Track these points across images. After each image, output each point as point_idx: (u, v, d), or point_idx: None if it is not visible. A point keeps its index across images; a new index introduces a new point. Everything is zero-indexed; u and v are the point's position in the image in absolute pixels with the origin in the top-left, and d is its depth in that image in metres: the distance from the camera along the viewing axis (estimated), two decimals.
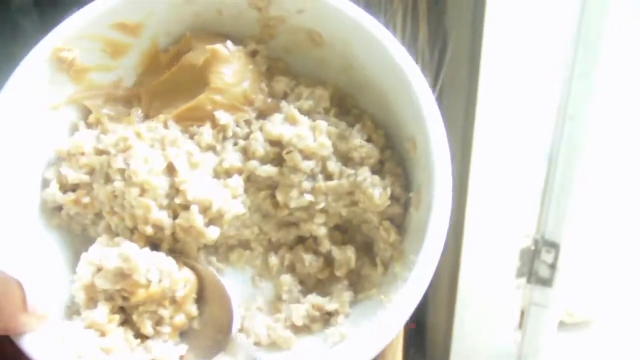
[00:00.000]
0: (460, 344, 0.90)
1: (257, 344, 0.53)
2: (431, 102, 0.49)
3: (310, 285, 0.56)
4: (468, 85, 0.69)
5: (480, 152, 0.74)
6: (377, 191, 0.52)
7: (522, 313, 0.91)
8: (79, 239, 0.55)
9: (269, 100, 0.56)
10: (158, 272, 0.50)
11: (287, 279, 0.55)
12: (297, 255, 0.56)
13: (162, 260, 0.51)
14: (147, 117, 0.55)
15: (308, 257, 0.55)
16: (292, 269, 0.56)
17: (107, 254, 0.50)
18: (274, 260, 0.56)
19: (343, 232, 0.56)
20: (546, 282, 0.88)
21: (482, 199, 0.78)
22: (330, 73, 0.56)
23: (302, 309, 0.53)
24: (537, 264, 0.85)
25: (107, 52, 0.54)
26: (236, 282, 0.55)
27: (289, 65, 0.57)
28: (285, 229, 0.56)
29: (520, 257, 0.86)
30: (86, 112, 0.55)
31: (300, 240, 0.56)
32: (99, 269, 0.50)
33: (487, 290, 0.88)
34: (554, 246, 0.84)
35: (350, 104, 0.56)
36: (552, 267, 0.86)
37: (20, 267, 0.49)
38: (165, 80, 0.55)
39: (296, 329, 0.54)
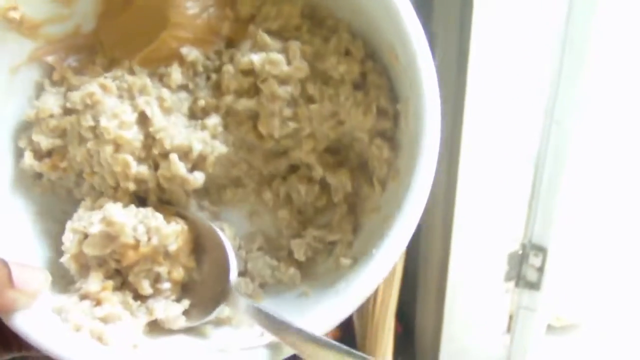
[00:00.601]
0: (448, 347, 0.90)
1: (262, 285, 0.51)
2: (410, 11, 0.45)
3: (310, 213, 0.53)
4: (456, 90, 0.69)
5: (468, 157, 0.74)
6: (361, 109, 0.49)
7: (511, 316, 0.91)
8: (66, 202, 0.53)
9: (236, 25, 0.51)
10: (145, 229, 0.48)
11: (284, 214, 0.53)
12: (291, 186, 0.53)
13: (149, 216, 0.49)
14: (112, 62, 0.52)
15: (303, 187, 0.52)
16: (288, 200, 0.53)
17: (90, 219, 0.48)
18: (268, 195, 0.53)
19: (335, 153, 0.53)
20: (534, 286, 0.88)
21: (470, 203, 0.79)
22: None
23: (303, 243, 0.51)
24: (525, 268, 0.86)
25: (57, 1, 0.50)
26: (234, 222, 0.53)
27: None
28: (274, 160, 0.53)
29: (509, 261, 0.87)
30: (49, 69, 0.52)
31: (293, 169, 0.53)
32: (86, 236, 0.48)
33: (475, 294, 0.88)
34: (541, 250, 0.84)
35: (324, 13, 0.52)
36: (540, 270, 0.86)
37: (7, 243, 0.47)
38: (124, 23, 0.51)
39: (301, 264, 0.52)
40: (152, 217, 0.49)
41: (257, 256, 0.52)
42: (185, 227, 0.50)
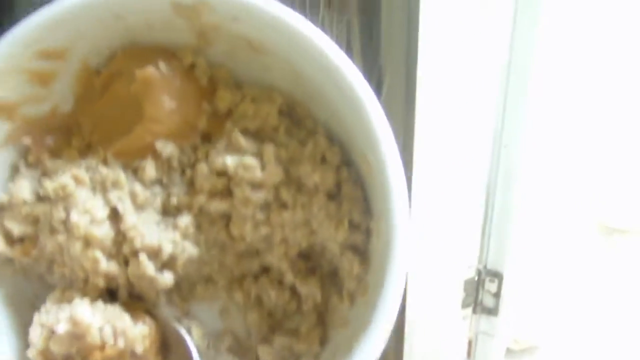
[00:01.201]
0: None
1: None
2: (384, 122, 0.45)
3: (280, 316, 0.53)
4: (404, 120, 0.69)
5: (419, 185, 0.74)
6: (334, 222, 0.48)
7: (470, 342, 0.91)
8: (38, 286, 0.52)
9: (213, 120, 0.51)
10: (112, 331, 0.48)
11: (254, 316, 0.52)
12: (262, 288, 0.52)
13: (117, 316, 0.49)
14: (88, 146, 0.51)
15: (273, 292, 0.52)
16: (259, 301, 0.53)
17: (57, 316, 0.48)
18: (239, 294, 0.53)
19: (307, 258, 0.52)
20: (491, 311, 0.89)
21: (422, 231, 0.78)
22: (277, 79, 0.51)
23: (271, 351, 0.51)
24: (481, 294, 0.86)
25: (34, 82, 0.49)
26: (204, 318, 0.53)
27: (233, 71, 0.52)
28: (246, 260, 0.52)
29: (465, 288, 0.86)
30: (25, 149, 0.51)
31: (265, 269, 0.53)
32: (53, 332, 0.48)
33: (434, 322, 0.87)
34: (496, 275, 0.84)
35: (303, 112, 0.52)
36: (497, 296, 0.86)
37: None
38: (101, 109, 0.51)
39: None
40: (120, 318, 0.49)
41: (225, 357, 0.52)
42: (153, 327, 0.50)
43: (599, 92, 0.79)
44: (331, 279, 0.52)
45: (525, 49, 0.68)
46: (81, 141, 0.51)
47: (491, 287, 0.86)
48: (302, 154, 0.49)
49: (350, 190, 0.49)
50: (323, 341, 0.51)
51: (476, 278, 0.85)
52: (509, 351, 0.95)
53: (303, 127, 0.51)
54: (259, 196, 0.49)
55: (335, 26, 0.68)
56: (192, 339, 0.51)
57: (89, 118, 0.51)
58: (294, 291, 0.52)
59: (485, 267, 0.84)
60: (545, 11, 0.67)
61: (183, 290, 0.53)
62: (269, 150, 0.49)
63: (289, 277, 0.51)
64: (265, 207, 0.49)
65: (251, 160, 0.48)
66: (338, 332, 0.51)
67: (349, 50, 0.69)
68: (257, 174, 0.48)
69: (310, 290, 0.51)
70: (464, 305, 0.87)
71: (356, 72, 0.46)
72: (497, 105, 0.71)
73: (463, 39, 0.67)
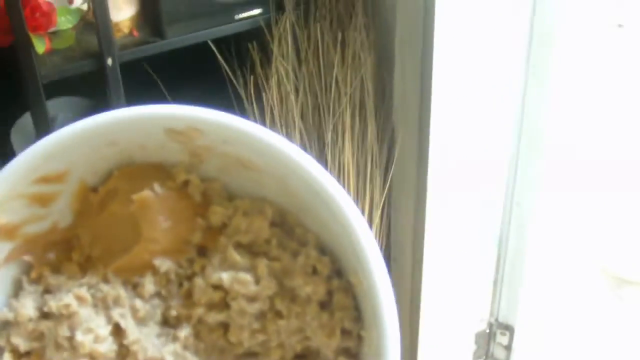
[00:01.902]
0: None
1: None
2: (371, 243, 0.47)
3: None
4: (417, 179, 0.70)
5: (433, 240, 0.74)
6: (326, 331, 0.50)
7: None
8: None
9: (208, 233, 0.53)
10: None
11: None
12: None
13: None
14: (88, 260, 0.53)
15: None
16: None
17: None
18: None
19: (302, 357, 0.54)
20: None
21: (436, 286, 0.79)
22: (269, 192, 0.53)
23: None
24: (492, 347, 0.86)
25: (35, 204, 0.52)
26: None
27: (225, 185, 0.55)
28: None
29: (476, 341, 0.87)
30: (28, 266, 0.53)
31: None
32: None
33: None
34: (508, 328, 0.84)
35: (293, 221, 0.54)
36: (508, 348, 0.86)
37: None
38: (99, 225, 0.53)
39: None
40: None
41: None
42: None
43: (607, 146, 0.79)
44: None
45: (535, 112, 0.69)
46: (81, 254, 0.54)
47: (502, 339, 0.86)
48: (294, 266, 0.51)
49: (341, 299, 0.52)
50: None
51: (487, 331, 0.85)
52: None
53: (294, 238, 0.53)
54: (254, 307, 0.51)
55: (349, 86, 0.70)
56: None
57: (88, 231, 0.53)
58: None
59: (496, 319, 0.84)
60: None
61: None
62: (262, 265, 0.51)
63: None
64: (261, 316, 0.52)
65: (245, 276, 0.51)
66: None
67: (362, 112, 0.70)
68: (252, 287, 0.51)
69: None
70: (475, 357, 0.87)
71: (344, 194, 0.48)
72: (510, 164, 0.72)
73: (475, 102, 0.68)
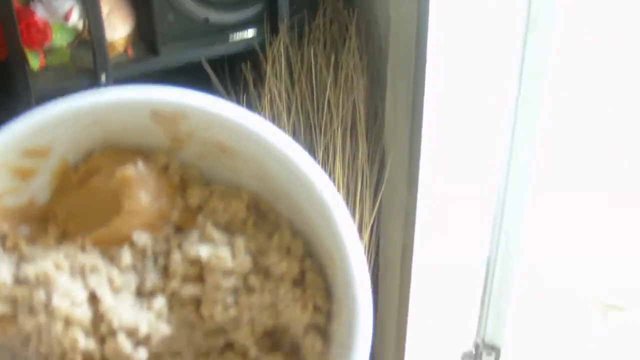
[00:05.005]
0: None
1: None
2: (348, 223, 0.50)
3: None
4: (407, 200, 0.71)
5: (421, 261, 0.76)
6: (299, 305, 0.52)
7: None
8: None
9: (185, 214, 0.55)
10: None
11: None
12: None
13: None
14: (64, 234, 0.55)
15: None
16: None
17: None
18: None
19: (271, 335, 0.56)
20: None
21: (423, 305, 0.80)
22: (244, 179, 0.55)
23: None
24: None
25: (16, 176, 0.53)
26: None
27: (202, 172, 0.57)
28: (213, 337, 0.56)
29: None
30: (2, 236, 0.54)
31: (229, 345, 0.56)
32: None
33: None
34: (494, 349, 0.86)
35: (266, 207, 0.56)
36: None
37: None
38: (79, 201, 0.55)
39: None
40: None
41: None
42: None
43: (597, 174, 0.81)
44: (294, 354, 0.56)
45: (525, 140, 0.71)
46: (56, 229, 0.55)
47: (489, 359, 0.87)
48: (269, 245, 0.54)
49: (313, 277, 0.54)
50: None
51: (474, 352, 0.86)
52: None
53: (268, 221, 0.56)
54: (229, 282, 0.53)
55: (342, 107, 0.71)
56: None
57: (65, 207, 0.55)
58: None
59: (483, 340, 0.85)
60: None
61: None
62: (240, 242, 0.53)
63: (254, 352, 0.55)
64: (235, 291, 0.53)
65: (223, 251, 0.53)
66: None
67: (353, 133, 0.72)
68: (229, 263, 0.53)
69: None
70: None
71: (322, 176, 0.51)
72: (499, 189, 0.74)
73: (465, 127, 0.70)
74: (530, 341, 0.88)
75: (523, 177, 0.71)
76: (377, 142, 0.69)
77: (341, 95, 0.75)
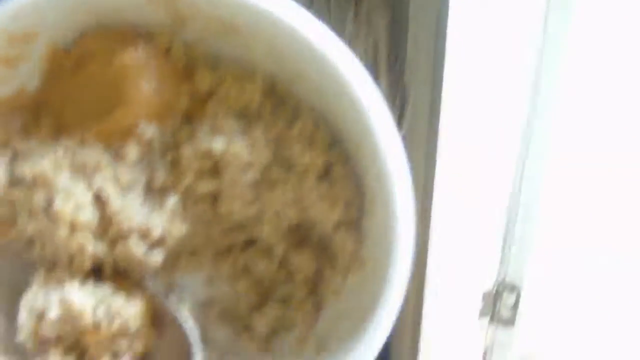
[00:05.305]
0: None
1: (222, 355, 0.51)
2: (381, 110, 0.43)
3: (269, 285, 0.53)
4: (428, 138, 0.70)
5: (442, 198, 0.75)
6: (327, 202, 0.48)
7: (485, 352, 0.92)
8: (16, 267, 0.51)
9: (194, 101, 0.49)
10: (106, 312, 0.48)
11: (242, 285, 0.52)
12: (249, 259, 0.52)
13: (108, 296, 0.48)
14: (60, 127, 0.50)
15: (262, 262, 0.52)
16: (246, 271, 0.53)
17: (46, 299, 0.47)
18: (225, 265, 0.52)
19: (296, 230, 0.52)
20: (508, 323, 0.90)
21: (444, 241, 0.80)
22: (258, 58, 0.49)
23: (263, 319, 0.51)
24: (499, 306, 0.87)
25: (1, 65, 0.48)
26: (189, 288, 0.52)
27: (210, 50, 0.50)
28: (233, 234, 0.52)
29: (483, 299, 0.88)
30: None
31: (252, 241, 0.52)
32: (42, 315, 0.47)
33: (450, 331, 0.89)
34: (514, 289, 0.86)
35: (284, 92, 0.50)
36: (514, 308, 0.88)
37: None
38: (73, 89, 0.49)
39: (259, 339, 0.52)
40: (112, 297, 0.48)
41: (216, 327, 0.52)
42: (144, 302, 0.50)
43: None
44: (323, 252, 0.51)
45: (553, 74, 0.69)
46: (51, 121, 0.50)
47: (509, 299, 0.87)
48: (290, 134, 0.48)
49: (341, 169, 0.49)
50: (317, 310, 0.51)
51: (494, 291, 0.86)
52: None
53: (287, 107, 0.49)
54: (247, 176, 0.48)
55: (363, 43, 0.70)
56: (181, 311, 0.51)
57: (59, 97, 0.50)
58: (283, 261, 0.51)
59: (504, 279, 0.85)
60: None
61: (167, 264, 0.52)
62: (257, 131, 0.48)
63: (280, 249, 0.51)
64: (255, 186, 0.48)
65: (239, 143, 0.47)
66: (332, 302, 0.50)
67: (375, 68, 0.71)
68: (246, 156, 0.47)
69: (302, 261, 0.50)
70: (481, 315, 0.89)
71: (342, 55, 0.44)
72: (523, 129, 0.72)
73: (489, 69, 0.68)
74: (551, 280, 0.87)
75: (551, 111, 0.70)
76: (399, 81, 0.67)
77: (363, 32, 0.73)
